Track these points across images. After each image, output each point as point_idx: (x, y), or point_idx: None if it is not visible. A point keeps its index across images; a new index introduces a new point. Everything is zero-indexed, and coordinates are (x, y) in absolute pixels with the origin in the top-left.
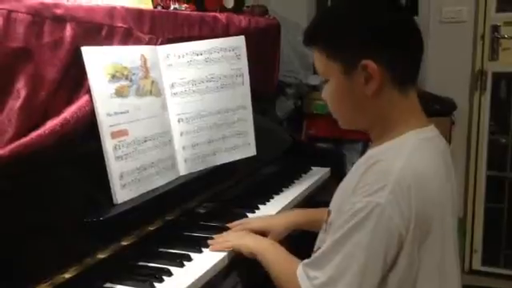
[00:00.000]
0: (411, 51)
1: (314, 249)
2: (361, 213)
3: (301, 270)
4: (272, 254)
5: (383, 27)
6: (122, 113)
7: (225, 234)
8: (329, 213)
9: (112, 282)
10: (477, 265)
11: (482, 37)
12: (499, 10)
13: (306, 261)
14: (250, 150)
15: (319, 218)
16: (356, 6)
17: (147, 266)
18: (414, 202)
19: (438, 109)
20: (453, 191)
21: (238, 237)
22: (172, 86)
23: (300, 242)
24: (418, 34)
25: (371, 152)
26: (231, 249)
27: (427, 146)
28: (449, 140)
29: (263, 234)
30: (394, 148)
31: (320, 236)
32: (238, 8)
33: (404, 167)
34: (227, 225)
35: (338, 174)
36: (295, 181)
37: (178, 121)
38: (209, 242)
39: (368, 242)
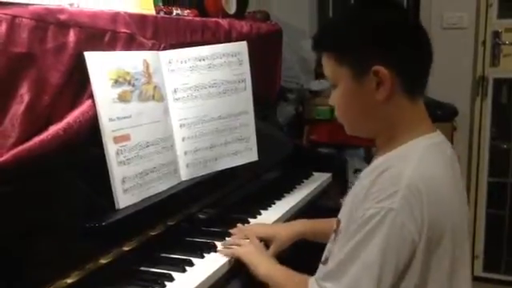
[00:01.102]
0: (422, 59)
1: (322, 259)
2: (373, 219)
3: (314, 284)
4: (281, 280)
5: (396, 34)
6: (124, 118)
7: (240, 240)
8: (338, 222)
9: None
10: (478, 271)
11: (483, 43)
12: (500, 16)
13: (319, 274)
14: (252, 156)
15: (325, 228)
16: (369, 12)
17: (149, 271)
18: (425, 207)
19: (439, 114)
20: (462, 197)
21: (252, 252)
22: (174, 91)
23: (303, 251)
24: (428, 44)
25: (380, 159)
26: (242, 260)
27: (435, 152)
28: None
29: (266, 241)
30: (404, 154)
31: (328, 246)
32: (240, 13)
33: (414, 172)
34: (230, 231)
35: (340, 179)
36: (297, 186)
37: (180, 126)
38: (222, 243)
39: (382, 250)
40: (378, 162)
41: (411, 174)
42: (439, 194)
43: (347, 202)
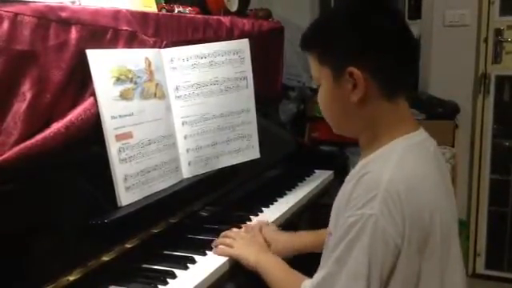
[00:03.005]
0: (402, 60)
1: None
2: (355, 226)
3: None
4: (272, 274)
5: (373, 35)
6: (126, 115)
7: (228, 232)
8: (328, 229)
9: (116, 285)
10: (480, 268)
11: (485, 40)
12: (502, 13)
13: (309, 285)
14: (254, 153)
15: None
16: (348, 12)
17: (151, 268)
18: (406, 209)
19: (441, 112)
20: (449, 192)
21: (241, 244)
22: (176, 88)
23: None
24: (411, 43)
25: (362, 162)
26: (231, 257)
27: (416, 150)
28: (452, 143)
29: None
30: (382, 157)
31: (323, 254)
32: (242, 11)
33: (392, 175)
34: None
35: (342, 176)
36: (299, 184)
37: (182, 124)
38: (212, 244)
39: (367, 258)
40: (360, 165)
41: (390, 177)
42: (421, 193)
43: (334, 210)
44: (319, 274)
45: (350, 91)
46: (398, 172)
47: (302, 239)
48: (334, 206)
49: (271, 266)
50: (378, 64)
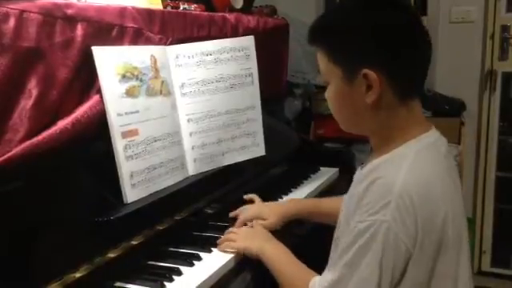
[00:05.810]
0: (417, 62)
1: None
2: (367, 232)
3: None
4: (275, 262)
5: (388, 37)
6: (132, 113)
7: (233, 229)
8: (337, 229)
9: (122, 282)
10: (486, 266)
11: (492, 37)
12: (509, 10)
13: (320, 285)
14: (259, 151)
15: (323, 208)
16: (362, 12)
17: (157, 265)
18: (418, 214)
19: (447, 109)
20: (458, 191)
21: (244, 237)
22: (182, 86)
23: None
24: (426, 45)
25: (374, 163)
26: (236, 251)
27: (427, 154)
28: (458, 141)
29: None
30: (394, 161)
31: (331, 254)
32: (247, 8)
33: (405, 180)
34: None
35: (347, 174)
36: (304, 181)
37: (188, 121)
38: (218, 241)
39: (378, 264)
40: (372, 166)
41: (402, 183)
42: (433, 197)
43: (343, 211)
44: (328, 277)
45: (363, 93)
46: (411, 177)
47: (289, 205)
48: (343, 207)
49: (275, 254)
50: (392, 65)
